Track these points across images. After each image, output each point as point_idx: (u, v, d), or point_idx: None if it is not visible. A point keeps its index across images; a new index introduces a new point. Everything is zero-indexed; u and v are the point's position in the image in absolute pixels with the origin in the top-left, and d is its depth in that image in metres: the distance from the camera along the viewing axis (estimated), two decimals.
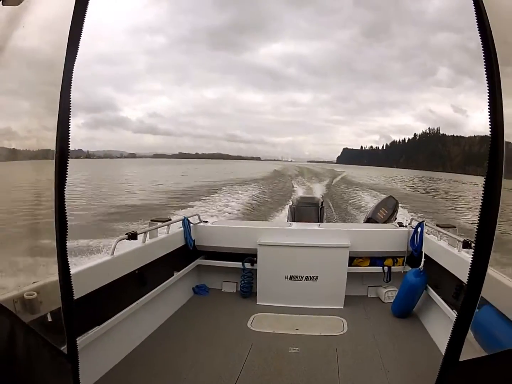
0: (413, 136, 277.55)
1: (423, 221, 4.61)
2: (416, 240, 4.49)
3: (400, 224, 5.04)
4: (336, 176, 48.96)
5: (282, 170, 59.31)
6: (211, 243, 4.93)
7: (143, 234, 3.75)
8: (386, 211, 6.30)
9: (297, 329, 3.89)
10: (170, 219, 4.53)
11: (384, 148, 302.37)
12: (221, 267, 4.90)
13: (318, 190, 27.04)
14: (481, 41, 1.02)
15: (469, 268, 1.09)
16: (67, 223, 1.09)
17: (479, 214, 0.99)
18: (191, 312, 4.29)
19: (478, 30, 1.02)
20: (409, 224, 4.95)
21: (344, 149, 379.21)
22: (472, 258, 1.07)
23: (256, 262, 4.66)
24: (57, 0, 1.08)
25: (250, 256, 4.74)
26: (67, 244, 1.14)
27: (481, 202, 1.01)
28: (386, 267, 4.73)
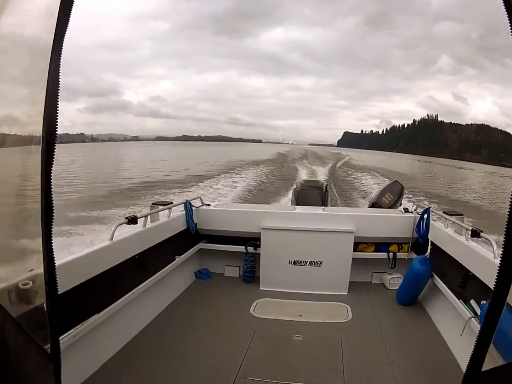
0: (412, 121, 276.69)
1: (430, 207, 4.44)
2: (422, 226, 4.35)
3: (406, 210, 4.88)
4: (340, 160, 48.26)
5: (287, 153, 58.31)
6: (214, 226, 4.78)
7: (143, 218, 3.61)
8: (391, 196, 6.11)
9: (300, 315, 3.77)
10: (172, 202, 4.37)
11: (384, 132, 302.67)
12: (223, 251, 4.77)
13: (321, 173, 26.63)
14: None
15: (496, 273, 0.96)
16: (53, 209, 0.97)
17: (508, 214, 0.86)
18: (193, 298, 4.19)
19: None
20: (415, 210, 4.78)
21: (345, 132, 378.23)
22: (500, 263, 0.94)
23: (259, 246, 4.54)
24: None
25: (253, 240, 4.61)
26: (52, 234, 1.02)
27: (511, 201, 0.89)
28: (391, 254, 4.62)
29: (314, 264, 4.40)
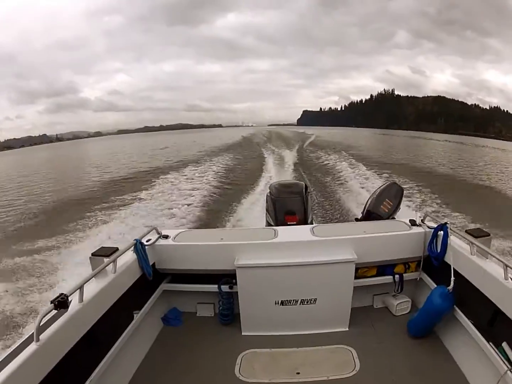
0: (369, 97, 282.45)
1: (446, 223, 3.60)
2: (435, 245, 3.65)
3: (413, 223, 4.00)
4: (306, 140, 47.26)
5: (251, 136, 57.76)
6: (176, 265, 3.90)
7: (77, 291, 2.61)
8: (390, 202, 4.96)
9: (298, 372, 3.16)
10: (117, 249, 3.32)
11: (343, 109, 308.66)
12: (192, 291, 4.02)
13: (290, 159, 25.22)
14: None
15: None
16: None
17: None
18: (161, 355, 3.52)
19: None
20: (421, 220, 3.97)
21: (304, 111, 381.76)
22: None
23: (235, 284, 3.70)
24: None
25: (227, 277, 3.80)
26: None
27: None
28: (397, 275, 3.94)
29: (307, 302, 3.65)
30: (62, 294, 2.39)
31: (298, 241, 3.77)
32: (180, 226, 10.00)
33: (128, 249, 3.43)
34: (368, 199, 5.26)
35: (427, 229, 3.82)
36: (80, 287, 2.64)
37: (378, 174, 17.28)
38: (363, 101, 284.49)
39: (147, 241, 3.77)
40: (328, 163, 22.10)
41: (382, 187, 5.28)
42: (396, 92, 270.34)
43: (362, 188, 14.24)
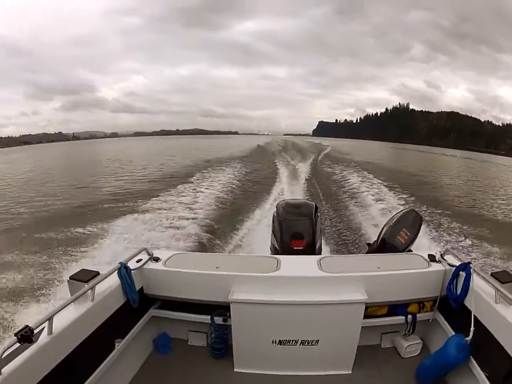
0: (384, 110, 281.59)
1: (469, 262, 3.25)
2: (455, 285, 3.31)
3: (432, 258, 3.61)
4: (321, 151, 46.46)
5: (265, 145, 56.62)
6: (166, 291, 3.59)
7: (46, 323, 2.36)
8: (408, 232, 4.50)
9: None
10: (97, 273, 3.02)
11: (358, 121, 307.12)
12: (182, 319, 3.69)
13: (303, 171, 24.39)
14: None
15: None
16: None
17: None
18: None
19: None
20: (441, 255, 3.58)
21: (319, 122, 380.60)
22: None
23: (229, 317, 3.35)
24: None
25: (221, 308, 3.49)
26: None
27: None
28: (409, 315, 3.58)
29: (308, 343, 3.30)
30: (26, 326, 2.19)
31: (302, 277, 3.38)
32: (176, 240, 9.34)
33: (111, 274, 3.16)
34: (384, 227, 4.84)
35: (447, 267, 3.46)
36: (49, 318, 2.43)
37: (394, 193, 16.58)
38: (378, 114, 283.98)
39: (138, 261, 3.52)
40: (343, 178, 21.29)
41: (399, 214, 4.86)
42: (411, 106, 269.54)
43: (377, 203, 13.60)
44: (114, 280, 3.19)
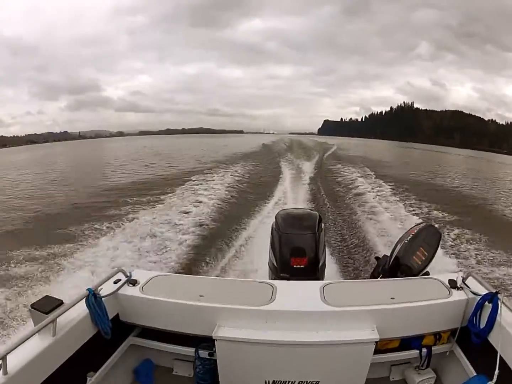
0: (389, 109, 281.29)
1: (497, 292, 2.76)
2: (479, 318, 2.83)
3: (453, 285, 3.10)
4: (327, 150, 45.50)
5: (272, 144, 55.96)
6: (145, 320, 3.17)
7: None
8: (425, 252, 4.00)
9: None
10: (61, 302, 2.69)
11: (363, 120, 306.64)
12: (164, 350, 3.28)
13: (308, 170, 23.80)
14: None
15: None
16: None
17: None
18: None
19: None
20: (463, 281, 3.09)
21: (325, 120, 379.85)
22: None
23: (216, 352, 2.91)
24: None
25: (207, 341, 3.01)
26: None
27: None
28: (424, 349, 3.12)
29: None
30: None
31: (302, 312, 2.93)
32: (158, 256, 8.34)
33: (77, 302, 2.82)
34: (398, 243, 4.31)
35: (471, 295, 3.04)
36: (3, 357, 2.17)
37: (404, 198, 15.41)
38: (383, 113, 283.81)
39: (116, 282, 3.22)
40: (349, 180, 20.05)
41: (416, 230, 4.32)
42: (415, 105, 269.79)
43: (387, 211, 12.45)
44: (82, 309, 2.86)
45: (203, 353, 3.18)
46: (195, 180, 18.33)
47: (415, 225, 4.61)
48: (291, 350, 2.85)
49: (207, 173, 21.10)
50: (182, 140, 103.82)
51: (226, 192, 15.27)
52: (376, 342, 2.87)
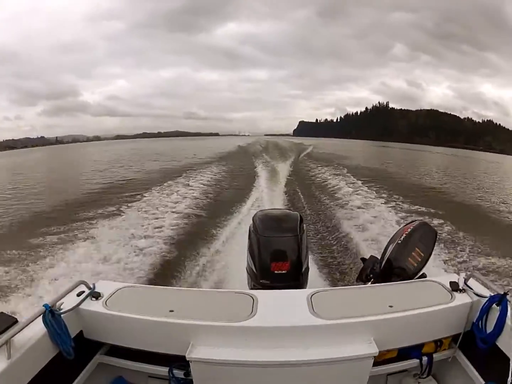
0: (364, 109, 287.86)
1: (507, 293, 2.51)
2: (484, 321, 2.58)
3: (455, 287, 2.80)
4: (303, 151, 45.33)
5: (247, 146, 56.18)
6: (111, 338, 2.80)
7: None
8: (421, 252, 3.60)
9: None
10: (15, 321, 2.38)
11: (339, 120, 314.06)
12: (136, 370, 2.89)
13: (284, 171, 23.22)
14: None
15: None
16: None
17: None
18: None
19: None
20: (465, 283, 2.81)
21: (300, 122, 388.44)
22: None
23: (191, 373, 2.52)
24: None
25: (181, 360, 2.57)
26: None
27: None
28: (425, 357, 2.82)
29: None
30: None
31: (288, 327, 2.56)
32: (124, 264, 7.56)
33: (34, 320, 2.43)
34: (389, 244, 3.93)
35: (475, 298, 2.77)
36: None
37: (378, 191, 15.48)
38: (359, 113, 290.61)
39: (78, 294, 2.84)
40: (325, 180, 19.71)
41: (409, 230, 3.91)
42: (390, 105, 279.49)
43: (367, 208, 12.12)
44: (39, 327, 2.53)
45: (178, 373, 2.84)
46: (164, 184, 17.35)
47: (407, 224, 4.28)
48: (277, 371, 2.54)
49: (177, 176, 19.99)
50: (157, 143, 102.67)
51: (200, 195, 14.47)
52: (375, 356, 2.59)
